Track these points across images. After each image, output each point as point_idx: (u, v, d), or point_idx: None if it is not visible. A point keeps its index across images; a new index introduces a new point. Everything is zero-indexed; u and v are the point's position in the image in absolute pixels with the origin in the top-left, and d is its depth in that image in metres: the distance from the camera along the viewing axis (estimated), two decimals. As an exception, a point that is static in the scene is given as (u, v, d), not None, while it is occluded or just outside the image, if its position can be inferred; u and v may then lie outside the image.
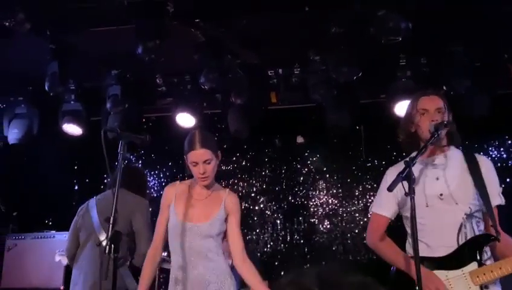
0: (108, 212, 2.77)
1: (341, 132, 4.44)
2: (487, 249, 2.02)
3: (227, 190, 2.44)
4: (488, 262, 2.00)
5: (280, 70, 4.25)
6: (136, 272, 2.87)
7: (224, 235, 2.36)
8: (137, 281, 2.83)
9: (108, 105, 4.13)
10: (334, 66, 3.58)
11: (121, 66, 4.07)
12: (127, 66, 4.03)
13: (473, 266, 1.95)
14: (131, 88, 4.24)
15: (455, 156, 2.12)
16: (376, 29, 2.91)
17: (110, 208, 2.77)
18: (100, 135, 2.01)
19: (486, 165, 2.09)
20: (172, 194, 2.36)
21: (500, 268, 1.90)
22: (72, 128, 4.42)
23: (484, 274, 1.91)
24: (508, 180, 4.24)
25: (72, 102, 4.37)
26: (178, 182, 2.45)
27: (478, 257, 1.95)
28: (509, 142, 4.49)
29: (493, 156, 4.45)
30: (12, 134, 4.39)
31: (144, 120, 4.78)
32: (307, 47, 3.79)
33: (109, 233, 1.81)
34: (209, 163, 2.25)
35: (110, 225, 1.82)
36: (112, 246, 1.83)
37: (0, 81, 4.18)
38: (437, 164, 2.11)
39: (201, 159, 2.23)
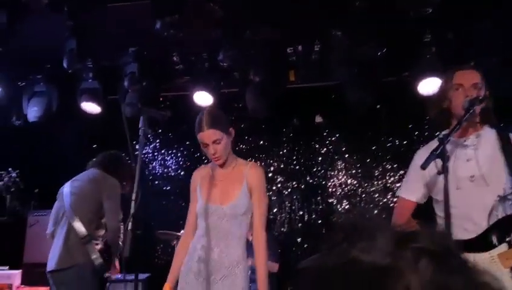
0: (81, 191, 2.96)
1: (361, 111, 4.34)
2: None
3: (249, 163, 2.38)
4: None
5: (300, 47, 4.14)
6: (108, 249, 2.96)
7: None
8: (108, 256, 2.92)
9: (125, 83, 4.11)
10: (357, 42, 3.46)
11: (138, 44, 4.02)
12: (145, 43, 3.98)
13: (503, 248, 1.85)
14: (149, 66, 4.20)
15: (488, 136, 2.02)
16: (404, 1, 2.77)
17: (82, 187, 2.98)
18: (119, 111, 1.98)
19: None
20: (198, 178, 2.36)
21: None
22: (90, 107, 4.43)
23: None
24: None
25: (90, 80, 4.36)
26: (202, 166, 2.47)
27: (508, 238, 1.85)
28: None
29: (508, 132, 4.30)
30: (32, 112, 4.41)
31: (161, 99, 4.75)
32: (328, 22, 3.67)
33: (132, 210, 1.80)
34: (218, 143, 2.20)
35: (133, 202, 1.81)
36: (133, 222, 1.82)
37: (19, 59, 4.18)
38: (468, 145, 2.01)
39: (209, 140, 2.19)
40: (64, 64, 3.74)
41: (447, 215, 1.75)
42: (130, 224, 1.78)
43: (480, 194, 1.94)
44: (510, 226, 1.89)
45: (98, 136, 4.79)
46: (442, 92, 2.07)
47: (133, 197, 1.81)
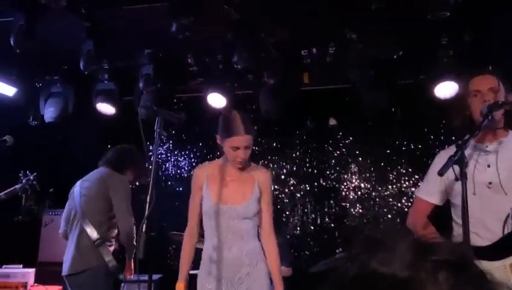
0: (89, 192, 2.94)
1: (376, 114, 4.30)
2: None
3: (259, 166, 2.40)
4: None
5: (314, 50, 4.12)
6: (122, 250, 2.96)
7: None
8: (123, 259, 2.92)
9: (140, 84, 4.14)
10: (372, 44, 3.42)
11: (153, 45, 4.05)
12: (160, 45, 4.00)
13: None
14: (164, 68, 4.23)
15: (510, 143, 1.98)
16: (422, 3, 2.73)
17: (91, 187, 2.97)
18: (135, 113, 1.99)
19: None
20: (204, 175, 2.32)
21: None
22: (106, 108, 4.47)
23: None
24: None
25: (105, 81, 4.40)
26: (207, 162, 2.42)
27: None
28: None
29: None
30: (48, 112, 4.47)
31: (175, 100, 4.78)
32: (343, 24, 3.64)
33: (146, 211, 1.80)
34: (249, 148, 2.21)
35: (147, 204, 1.81)
36: (147, 224, 1.82)
37: (36, 60, 4.25)
38: (490, 151, 1.98)
39: (243, 145, 2.18)
40: (81, 66, 3.78)
41: (464, 222, 1.72)
42: (144, 226, 1.78)
43: (496, 201, 1.91)
44: None
45: (112, 137, 4.83)
46: (461, 100, 2.04)
47: (148, 199, 1.81)
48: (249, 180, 2.28)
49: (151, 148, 2.07)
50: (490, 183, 1.92)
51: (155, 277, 4.20)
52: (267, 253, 2.27)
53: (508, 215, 1.89)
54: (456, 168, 1.75)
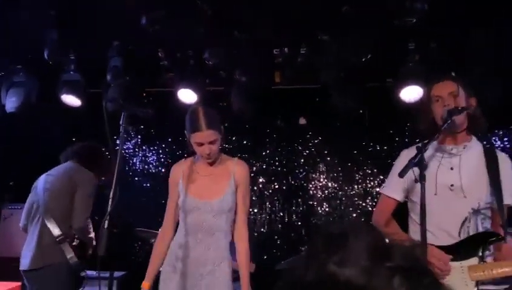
0: (54, 187, 2.88)
1: (345, 115, 4.38)
2: (491, 247, 1.97)
3: (236, 159, 2.37)
4: (490, 260, 1.95)
5: (286, 50, 4.14)
6: (84, 246, 2.91)
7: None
8: (84, 253, 2.88)
9: (108, 77, 4.03)
10: (343, 47, 3.48)
11: (123, 38, 3.95)
12: (130, 38, 3.91)
13: (473, 261, 1.89)
14: (133, 61, 4.14)
15: (474, 148, 2.06)
16: (391, 9, 2.80)
17: (56, 182, 2.90)
18: (101, 105, 1.93)
19: (505, 162, 2.02)
20: (179, 172, 2.32)
21: (501, 268, 1.84)
22: (71, 99, 4.34)
23: (483, 271, 1.85)
24: None
25: (71, 72, 4.26)
26: (183, 160, 2.41)
27: (480, 253, 1.89)
28: (515, 133, 4.43)
29: (496, 145, 4.40)
30: (10, 102, 4.29)
31: (144, 94, 4.69)
32: (315, 26, 3.68)
33: (109, 208, 1.76)
34: (214, 143, 2.20)
35: (110, 200, 1.77)
36: (109, 221, 1.78)
37: (-1, 48, 4.07)
38: (454, 153, 2.05)
39: (206, 141, 2.18)
40: (46, 56, 3.65)
41: (422, 223, 1.78)
42: (106, 222, 1.74)
43: (456, 204, 1.97)
44: (484, 241, 1.92)
45: (77, 129, 4.69)
46: (425, 106, 2.11)
47: (111, 195, 1.77)
48: (225, 174, 2.27)
49: (117, 142, 2.03)
50: (452, 185, 1.99)
51: (118, 274, 4.13)
52: (237, 246, 2.26)
53: (465, 219, 1.96)
54: (416, 170, 1.80)
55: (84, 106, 4.35)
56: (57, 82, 4.29)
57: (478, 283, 1.88)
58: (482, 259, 1.90)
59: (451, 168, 2.02)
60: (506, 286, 1.91)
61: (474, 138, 2.10)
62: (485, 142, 2.11)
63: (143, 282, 2.25)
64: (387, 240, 0.60)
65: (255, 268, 3.95)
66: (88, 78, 4.34)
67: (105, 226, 1.73)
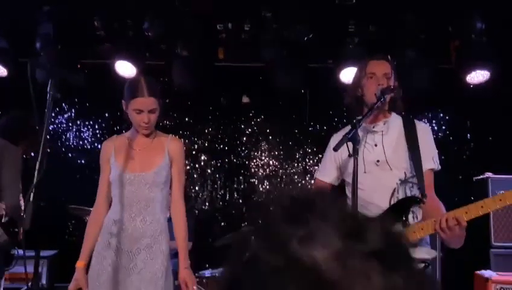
0: None
1: (287, 94, 4.44)
2: (417, 212, 2.09)
3: (170, 135, 2.37)
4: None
5: (230, 25, 4.08)
6: (14, 223, 2.77)
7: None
8: (14, 231, 2.75)
9: (38, 44, 3.74)
10: (286, 25, 3.49)
11: (54, 2, 3.67)
12: (62, 2, 3.64)
13: (397, 227, 2.02)
14: (66, 29, 3.86)
15: (395, 123, 2.17)
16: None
17: None
18: (27, 72, 1.78)
19: (423, 130, 2.14)
20: (111, 148, 2.25)
21: (422, 229, 1.96)
22: (-4, 68, 3.99)
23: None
24: (437, 152, 4.51)
25: (-4, 38, 3.91)
26: (115, 136, 2.34)
27: (403, 218, 2.00)
28: (441, 115, 4.75)
29: (413, 118, 4.69)
30: None
31: (79, 66, 4.41)
32: (258, 2, 3.66)
33: (35, 180, 1.65)
34: (154, 112, 2.16)
35: (36, 171, 1.66)
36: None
37: None
38: (377, 131, 2.14)
39: (146, 108, 2.13)
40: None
41: (353, 196, 1.86)
42: (31, 195, 1.64)
43: (384, 177, 2.08)
44: (405, 207, 2.04)
45: (4, 101, 4.33)
46: (357, 81, 2.18)
47: (37, 166, 1.66)
48: (159, 148, 2.24)
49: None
50: (378, 161, 2.09)
51: (49, 253, 3.95)
52: (174, 220, 2.25)
53: (394, 190, 2.08)
54: (350, 145, 1.87)
55: (12, 76, 4.02)
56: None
57: None
58: (404, 224, 2.03)
59: (376, 145, 2.13)
60: None
61: (393, 113, 2.21)
62: (402, 116, 2.21)
63: (77, 261, 2.17)
64: (360, 215, 0.48)
65: (193, 246, 3.95)
66: (17, 46, 4.00)
67: (30, 199, 1.63)
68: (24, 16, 3.86)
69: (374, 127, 2.15)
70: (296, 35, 3.48)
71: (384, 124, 2.15)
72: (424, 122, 4.64)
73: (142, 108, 2.13)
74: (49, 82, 1.76)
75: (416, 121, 2.18)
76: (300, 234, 0.44)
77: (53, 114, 4.57)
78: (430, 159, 2.12)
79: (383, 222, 0.47)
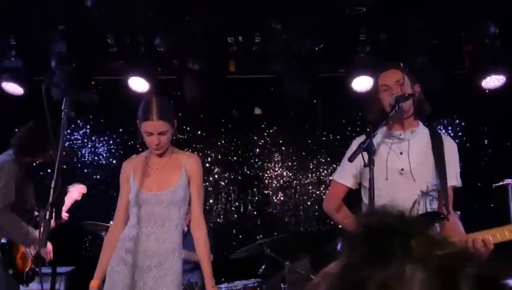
0: None
1: (299, 105, 4.43)
2: (437, 226, 2.04)
3: (187, 152, 2.36)
4: None
5: (240, 38, 4.11)
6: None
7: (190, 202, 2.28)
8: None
9: (52, 63, 3.81)
10: (296, 36, 3.50)
11: (68, 21, 3.74)
12: (76, 21, 3.71)
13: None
14: (80, 46, 3.93)
15: (422, 133, 2.14)
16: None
17: None
18: (42, 91, 1.81)
19: (449, 146, 2.11)
20: (130, 168, 2.27)
21: None
22: (12, 87, 4.07)
23: None
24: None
25: (12, 58, 4.00)
26: (134, 155, 2.37)
27: None
28: (457, 121, 4.67)
29: (440, 132, 4.62)
30: None
31: (93, 82, 4.49)
32: (268, 14, 3.67)
33: (50, 198, 1.66)
34: (164, 134, 2.17)
35: (52, 190, 1.67)
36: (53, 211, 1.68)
37: None
38: (403, 139, 2.12)
39: (156, 131, 2.14)
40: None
41: (370, 205, 1.83)
42: (47, 213, 1.64)
43: (406, 187, 2.05)
44: (429, 222, 2.00)
45: (21, 119, 4.41)
46: (373, 96, 2.18)
47: (52, 184, 1.67)
48: (176, 166, 2.24)
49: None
50: (402, 169, 2.06)
51: (66, 269, 3.97)
52: (195, 236, 2.23)
53: (415, 201, 2.04)
54: (366, 154, 1.85)
55: (28, 94, 4.10)
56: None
57: None
58: None
59: (401, 153, 2.10)
60: None
61: (421, 124, 2.19)
62: (431, 127, 2.20)
63: (92, 281, 2.17)
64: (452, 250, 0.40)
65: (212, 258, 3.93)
66: (31, 65, 4.08)
67: (47, 217, 1.64)
68: (38, 36, 3.95)
69: (400, 135, 2.12)
70: (306, 46, 3.47)
71: (411, 133, 2.13)
72: (440, 129, 4.60)
73: (152, 131, 2.14)
74: (64, 101, 1.78)
75: (443, 135, 2.17)
76: (380, 277, 0.35)
77: (68, 131, 4.64)
78: (454, 176, 2.10)
79: (480, 267, 0.40)
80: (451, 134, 4.60)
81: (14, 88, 4.08)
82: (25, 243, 2.76)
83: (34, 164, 2.98)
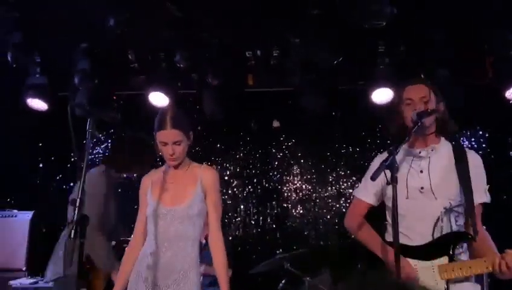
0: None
1: (317, 117, 4.41)
2: (464, 245, 2.01)
3: (203, 165, 2.34)
4: (461, 258, 1.98)
5: (258, 52, 4.14)
6: None
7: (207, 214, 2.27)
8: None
9: (76, 80, 3.91)
10: (314, 50, 3.50)
11: (91, 39, 3.85)
12: (98, 39, 3.81)
13: (444, 260, 1.93)
14: (102, 63, 4.03)
15: (443, 149, 2.09)
16: (359, 13, 2.83)
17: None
18: (67, 111, 1.86)
19: (474, 161, 2.05)
20: (149, 182, 2.29)
21: (470, 267, 1.88)
22: (37, 104, 4.19)
23: (453, 270, 1.89)
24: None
25: (37, 75, 4.12)
26: (153, 170, 2.37)
27: (451, 252, 1.93)
28: (480, 132, 4.58)
29: (464, 146, 4.53)
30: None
31: (114, 98, 4.58)
32: (286, 29, 3.69)
33: (75, 217, 1.69)
34: (179, 144, 2.17)
35: (76, 208, 1.70)
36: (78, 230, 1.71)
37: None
38: (423, 156, 2.08)
39: (171, 140, 2.15)
40: (9, 59, 3.51)
41: (394, 224, 1.80)
42: (72, 232, 1.67)
43: (428, 205, 2.00)
44: (454, 241, 1.96)
45: (45, 135, 4.54)
46: (395, 108, 2.14)
47: (77, 203, 1.70)
48: (191, 180, 2.24)
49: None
50: (422, 188, 2.02)
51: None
52: (213, 254, 2.22)
53: (438, 219, 1.99)
54: (388, 172, 1.82)
55: (52, 110, 4.21)
56: (22, 86, 4.14)
57: (448, 282, 1.91)
58: (452, 258, 1.93)
59: (421, 171, 2.05)
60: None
61: (442, 139, 2.13)
62: (453, 142, 2.14)
63: None
64: None
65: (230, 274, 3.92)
66: (56, 82, 4.20)
67: (71, 236, 1.66)
68: (62, 53, 4.06)
69: (420, 152, 2.08)
70: (324, 59, 3.47)
71: (432, 150, 2.08)
72: (463, 140, 4.51)
73: (166, 140, 2.15)
74: (88, 121, 1.82)
75: (467, 150, 2.09)
76: None
77: (91, 145, 4.73)
78: (482, 192, 2.03)
79: None
80: (475, 145, 4.50)
81: (38, 104, 4.19)
82: (105, 265, 2.72)
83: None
